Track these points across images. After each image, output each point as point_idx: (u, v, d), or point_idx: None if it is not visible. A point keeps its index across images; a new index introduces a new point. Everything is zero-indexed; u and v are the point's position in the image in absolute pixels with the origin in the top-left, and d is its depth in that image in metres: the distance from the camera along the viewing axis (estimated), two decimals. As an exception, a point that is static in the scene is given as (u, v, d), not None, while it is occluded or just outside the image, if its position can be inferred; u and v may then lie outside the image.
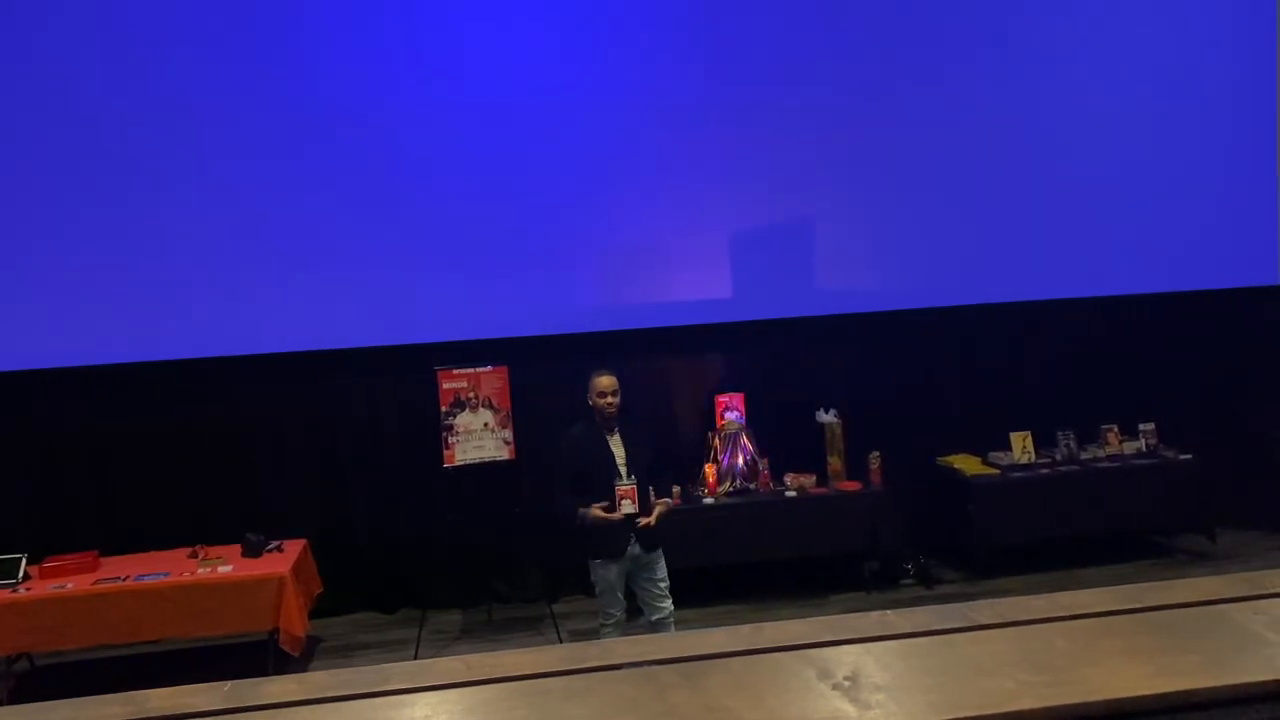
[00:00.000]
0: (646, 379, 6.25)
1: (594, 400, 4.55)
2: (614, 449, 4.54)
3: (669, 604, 4.59)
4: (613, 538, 4.47)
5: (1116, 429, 6.51)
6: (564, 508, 4.50)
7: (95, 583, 4.95)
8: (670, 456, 5.54)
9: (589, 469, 4.50)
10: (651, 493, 4.61)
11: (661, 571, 4.60)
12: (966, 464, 6.34)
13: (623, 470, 4.51)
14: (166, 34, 5.58)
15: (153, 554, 5.42)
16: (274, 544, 5.36)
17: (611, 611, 4.58)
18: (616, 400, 4.54)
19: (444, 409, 5.53)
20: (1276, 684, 1.36)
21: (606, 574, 4.51)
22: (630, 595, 4.67)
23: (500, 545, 6.14)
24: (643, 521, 4.47)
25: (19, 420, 5.83)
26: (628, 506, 4.44)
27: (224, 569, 5.08)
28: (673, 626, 4.61)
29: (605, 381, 4.55)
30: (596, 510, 4.43)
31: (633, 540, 4.49)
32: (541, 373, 5.99)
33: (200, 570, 5.07)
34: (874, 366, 6.53)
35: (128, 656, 5.55)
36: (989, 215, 6.38)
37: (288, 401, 6.04)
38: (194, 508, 5.84)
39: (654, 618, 4.59)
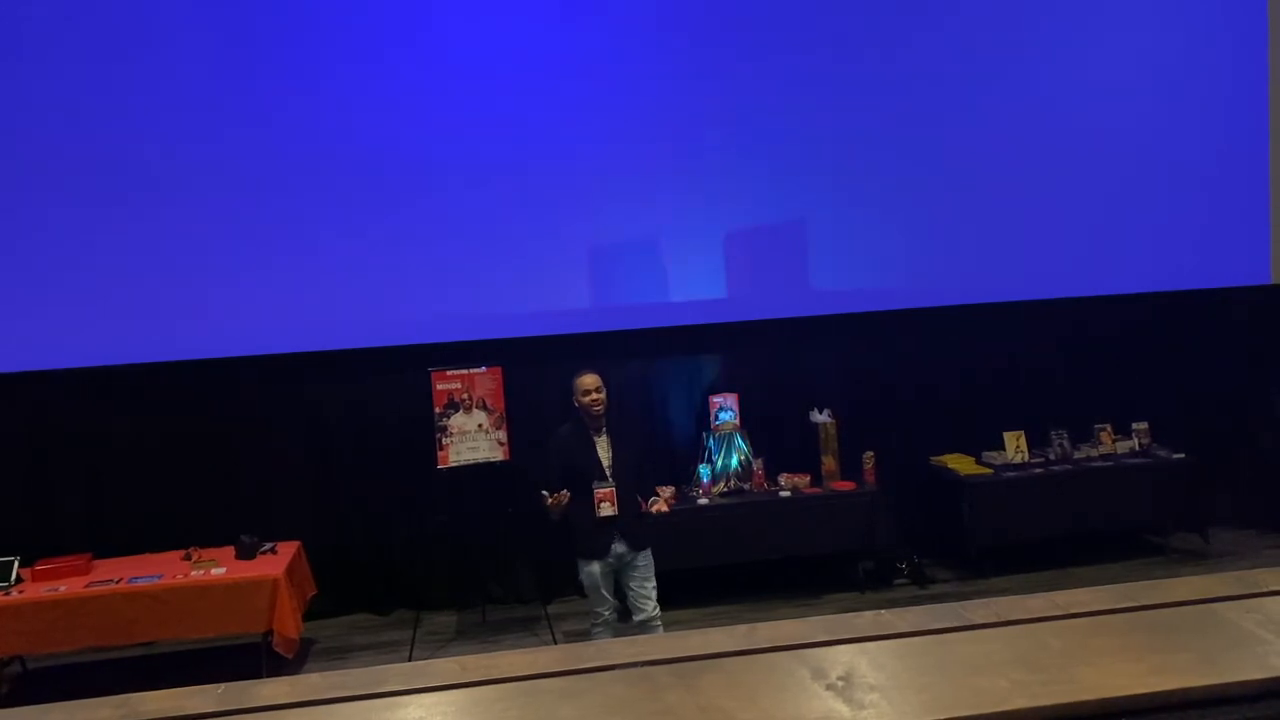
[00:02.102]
0: (641, 379, 6.25)
1: (578, 400, 4.55)
2: (600, 450, 4.54)
3: (653, 605, 4.58)
4: (595, 538, 4.48)
5: (1110, 428, 6.52)
6: (536, 500, 4.51)
7: (88, 585, 4.93)
8: (655, 459, 5.54)
9: (574, 470, 4.49)
10: (640, 500, 4.63)
11: (648, 572, 4.60)
12: (960, 463, 6.34)
13: (608, 472, 4.51)
14: (167, 35, 5.57)
15: (146, 556, 5.39)
16: (268, 546, 5.35)
17: (600, 611, 4.59)
18: (601, 398, 4.53)
19: (438, 410, 5.52)
20: (1269, 682, 1.37)
21: (592, 573, 4.52)
22: (621, 595, 4.67)
23: (495, 546, 6.13)
24: (655, 508, 4.62)
25: (12, 422, 5.81)
26: (606, 509, 4.44)
27: (217, 571, 5.06)
28: (660, 628, 4.60)
29: (587, 380, 4.55)
30: (548, 498, 4.41)
31: (616, 539, 4.50)
32: (536, 374, 5.97)
33: (194, 572, 5.05)
34: (867, 366, 6.53)
35: (121, 659, 5.54)
36: (981, 216, 6.39)
37: (281, 403, 6.02)
38: (187, 510, 5.82)
39: (638, 618, 4.60)
